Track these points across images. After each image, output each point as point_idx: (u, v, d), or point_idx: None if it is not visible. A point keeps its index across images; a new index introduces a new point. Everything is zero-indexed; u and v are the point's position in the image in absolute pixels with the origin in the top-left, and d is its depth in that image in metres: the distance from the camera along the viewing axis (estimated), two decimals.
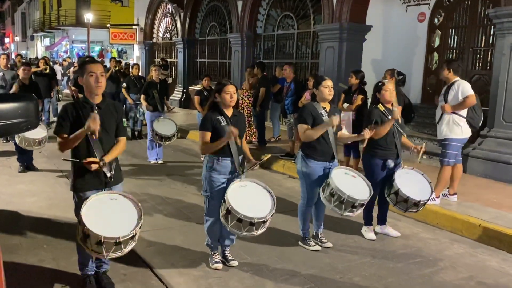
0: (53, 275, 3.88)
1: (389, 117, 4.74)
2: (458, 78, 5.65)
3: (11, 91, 7.35)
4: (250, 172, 4.08)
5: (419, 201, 4.53)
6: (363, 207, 4.39)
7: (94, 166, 3.32)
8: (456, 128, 5.60)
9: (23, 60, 11.58)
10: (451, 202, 5.72)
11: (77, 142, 3.34)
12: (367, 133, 4.49)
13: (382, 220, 5.09)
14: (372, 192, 4.35)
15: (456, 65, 5.69)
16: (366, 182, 4.41)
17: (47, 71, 11.54)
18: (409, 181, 4.63)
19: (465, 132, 5.62)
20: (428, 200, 4.63)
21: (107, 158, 3.39)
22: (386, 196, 4.73)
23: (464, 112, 5.56)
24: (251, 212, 3.62)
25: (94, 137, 3.35)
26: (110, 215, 3.22)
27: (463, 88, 5.52)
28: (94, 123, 3.25)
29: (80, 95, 3.50)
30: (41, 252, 4.32)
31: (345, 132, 6.66)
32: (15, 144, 7.13)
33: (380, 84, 4.87)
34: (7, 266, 3.91)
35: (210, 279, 3.91)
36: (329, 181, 4.23)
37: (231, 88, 3.93)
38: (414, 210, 4.65)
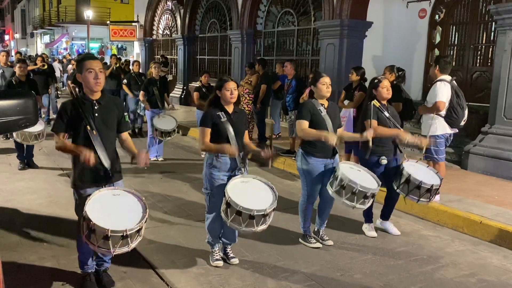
0: (53, 273, 3.87)
1: (385, 113, 4.73)
2: (443, 77, 5.60)
3: None
4: (251, 170, 4.06)
5: (432, 186, 4.44)
6: (373, 199, 4.37)
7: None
8: (429, 125, 5.62)
9: (19, 57, 11.53)
10: (452, 199, 5.71)
11: (71, 154, 3.40)
12: (369, 134, 4.44)
13: (385, 216, 5.06)
14: (380, 182, 4.34)
15: (444, 63, 5.65)
16: (371, 174, 4.41)
17: (45, 67, 11.51)
18: (417, 170, 4.61)
19: (440, 129, 5.59)
20: (440, 185, 4.55)
21: (136, 151, 3.52)
22: (396, 188, 4.65)
23: (442, 110, 5.54)
24: (250, 204, 3.58)
25: (95, 133, 3.34)
26: (114, 210, 3.20)
27: (438, 92, 5.50)
28: (87, 159, 3.23)
29: (79, 92, 3.48)
30: (41, 249, 4.31)
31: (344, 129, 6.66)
32: (15, 141, 7.12)
33: (376, 81, 4.84)
34: (7, 264, 3.91)
35: (210, 276, 3.90)
36: (338, 174, 4.21)
37: (231, 85, 3.91)
38: (427, 200, 4.53)
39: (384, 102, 4.81)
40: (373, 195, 4.27)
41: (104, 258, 3.64)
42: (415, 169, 4.62)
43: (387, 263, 4.29)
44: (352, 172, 4.30)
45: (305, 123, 4.36)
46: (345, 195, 4.16)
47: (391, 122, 4.74)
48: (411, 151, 7.26)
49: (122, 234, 3.03)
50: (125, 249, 3.13)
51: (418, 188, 4.47)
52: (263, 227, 3.70)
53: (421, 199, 4.52)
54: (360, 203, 4.18)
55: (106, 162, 3.39)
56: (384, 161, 4.70)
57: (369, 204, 4.32)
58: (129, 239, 3.09)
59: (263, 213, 3.60)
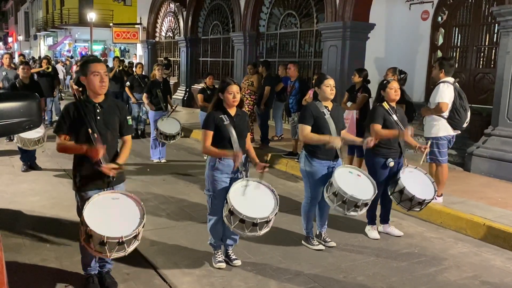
0: (56, 274, 3.88)
1: (394, 116, 4.72)
2: (446, 79, 5.59)
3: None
4: (252, 172, 4.05)
5: (424, 200, 4.51)
6: (368, 206, 4.37)
7: (113, 172, 3.31)
8: (432, 127, 5.62)
9: (22, 60, 11.57)
10: (455, 201, 5.69)
11: (75, 153, 3.38)
12: (370, 142, 4.42)
13: (385, 219, 5.07)
14: (377, 191, 4.33)
15: (448, 65, 5.64)
16: (371, 181, 4.39)
17: (49, 70, 11.54)
18: (413, 180, 4.61)
19: (442, 130, 5.58)
20: (432, 199, 4.62)
21: (121, 161, 3.42)
22: (389, 194, 4.70)
23: (445, 112, 5.53)
24: (253, 212, 3.60)
25: (96, 136, 3.34)
26: (112, 215, 3.21)
27: (441, 93, 5.50)
28: (96, 154, 3.23)
29: (82, 95, 3.48)
30: (44, 251, 4.32)
31: (348, 132, 6.66)
32: None
33: (385, 82, 4.85)
34: (10, 265, 3.91)
35: (213, 278, 3.90)
36: (331, 180, 4.21)
37: (234, 88, 3.91)
38: (418, 209, 4.64)
39: (393, 104, 4.80)
40: (366, 204, 4.25)
41: (107, 260, 3.64)
42: (412, 178, 4.61)
43: (390, 265, 4.29)
44: (349, 178, 4.28)
45: (307, 128, 4.35)
46: (336, 202, 4.18)
47: (398, 126, 4.72)
48: (414, 153, 7.25)
49: (118, 240, 3.06)
50: (121, 254, 3.16)
51: (410, 200, 4.53)
52: (265, 230, 3.74)
53: (412, 209, 4.62)
54: (351, 211, 4.19)
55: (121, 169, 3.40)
56: (391, 163, 4.70)
57: (362, 212, 4.30)
58: (125, 244, 3.12)
59: (266, 220, 3.64)
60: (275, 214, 3.73)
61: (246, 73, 10.48)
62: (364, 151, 4.91)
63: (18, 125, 2.13)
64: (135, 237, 3.17)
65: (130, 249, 3.18)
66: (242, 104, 4.07)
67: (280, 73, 9.59)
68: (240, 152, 3.79)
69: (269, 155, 4.11)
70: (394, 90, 4.75)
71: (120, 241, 3.06)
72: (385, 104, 4.76)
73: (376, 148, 4.73)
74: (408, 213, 5.52)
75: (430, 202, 4.63)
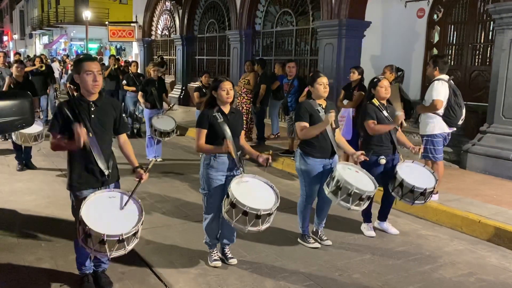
0: (51, 274, 3.86)
1: (384, 113, 4.72)
2: (441, 76, 5.60)
3: (3, 89, 7.34)
4: (249, 170, 4.05)
5: (425, 189, 4.43)
6: (369, 201, 4.36)
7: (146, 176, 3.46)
8: (427, 125, 5.64)
9: (17, 58, 11.52)
10: (450, 198, 5.71)
11: (67, 149, 3.36)
12: (361, 157, 4.36)
13: (383, 217, 5.06)
14: (377, 185, 4.33)
15: (442, 62, 5.65)
16: (369, 176, 4.39)
17: (43, 68, 11.50)
18: (412, 172, 4.57)
19: (438, 128, 5.59)
20: (434, 187, 4.53)
21: (137, 163, 3.59)
22: (391, 191, 4.66)
23: (440, 110, 5.54)
24: (256, 204, 3.57)
25: (91, 135, 3.32)
26: (110, 213, 3.18)
27: (435, 91, 5.51)
28: (78, 136, 3.16)
29: (76, 93, 3.45)
30: (39, 250, 4.30)
31: (344, 130, 6.67)
32: (13, 142, 7.11)
33: (375, 80, 4.85)
34: (4, 265, 3.90)
35: (209, 277, 3.89)
36: (335, 174, 4.20)
37: (227, 85, 3.90)
38: (422, 201, 4.53)
39: (384, 102, 4.81)
40: (369, 197, 4.25)
41: (102, 259, 3.62)
42: (410, 171, 4.58)
43: (385, 262, 4.29)
44: (349, 173, 4.28)
45: (304, 124, 4.35)
46: (341, 196, 4.16)
47: (389, 122, 4.73)
48: (409, 150, 7.27)
49: (118, 238, 3.03)
50: (121, 252, 3.12)
51: (411, 192, 4.46)
52: (267, 225, 3.69)
53: (415, 201, 4.52)
54: (355, 204, 4.17)
55: (102, 164, 3.37)
56: (383, 160, 4.70)
57: (364, 206, 4.30)
58: (125, 242, 3.08)
59: (269, 212, 3.61)
60: (277, 207, 3.69)
61: (243, 71, 10.46)
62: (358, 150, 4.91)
63: (10, 124, 2.13)
64: (135, 234, 3.14)
65: (130, 247, 3.15)
66: (233, 101, 4.04)
67: (277, 71, 9.58)
68: (229, 139, 3.78)
69: (271, 152, 4.10)
70: (384, 89, 4.75)
71: (120, 238, 3.02)
72: (375, 101, 4.76)
73: (369, 146, 4.74)
74: (404, 210, 5.55)
75: (433, 191, 4.54)
